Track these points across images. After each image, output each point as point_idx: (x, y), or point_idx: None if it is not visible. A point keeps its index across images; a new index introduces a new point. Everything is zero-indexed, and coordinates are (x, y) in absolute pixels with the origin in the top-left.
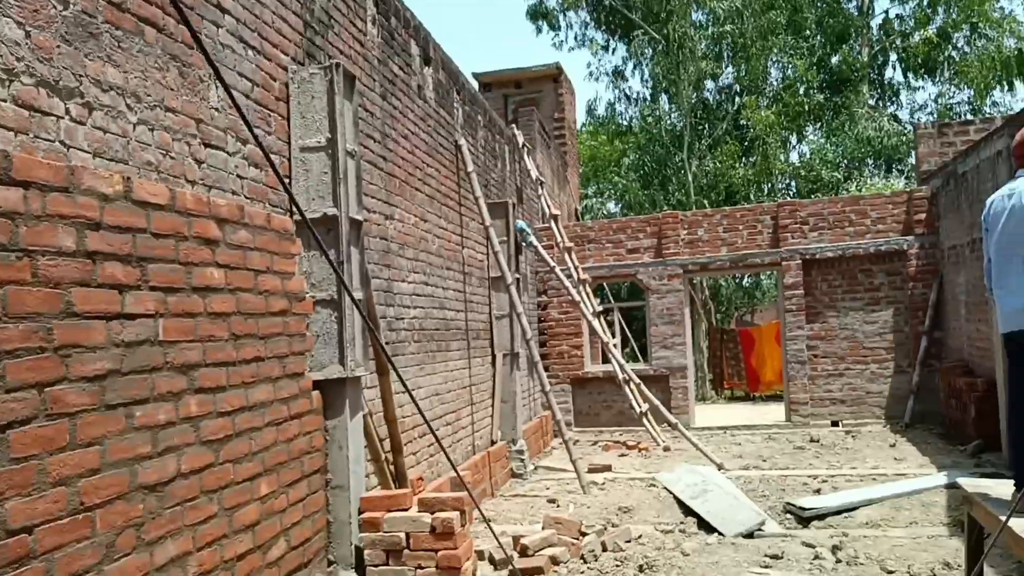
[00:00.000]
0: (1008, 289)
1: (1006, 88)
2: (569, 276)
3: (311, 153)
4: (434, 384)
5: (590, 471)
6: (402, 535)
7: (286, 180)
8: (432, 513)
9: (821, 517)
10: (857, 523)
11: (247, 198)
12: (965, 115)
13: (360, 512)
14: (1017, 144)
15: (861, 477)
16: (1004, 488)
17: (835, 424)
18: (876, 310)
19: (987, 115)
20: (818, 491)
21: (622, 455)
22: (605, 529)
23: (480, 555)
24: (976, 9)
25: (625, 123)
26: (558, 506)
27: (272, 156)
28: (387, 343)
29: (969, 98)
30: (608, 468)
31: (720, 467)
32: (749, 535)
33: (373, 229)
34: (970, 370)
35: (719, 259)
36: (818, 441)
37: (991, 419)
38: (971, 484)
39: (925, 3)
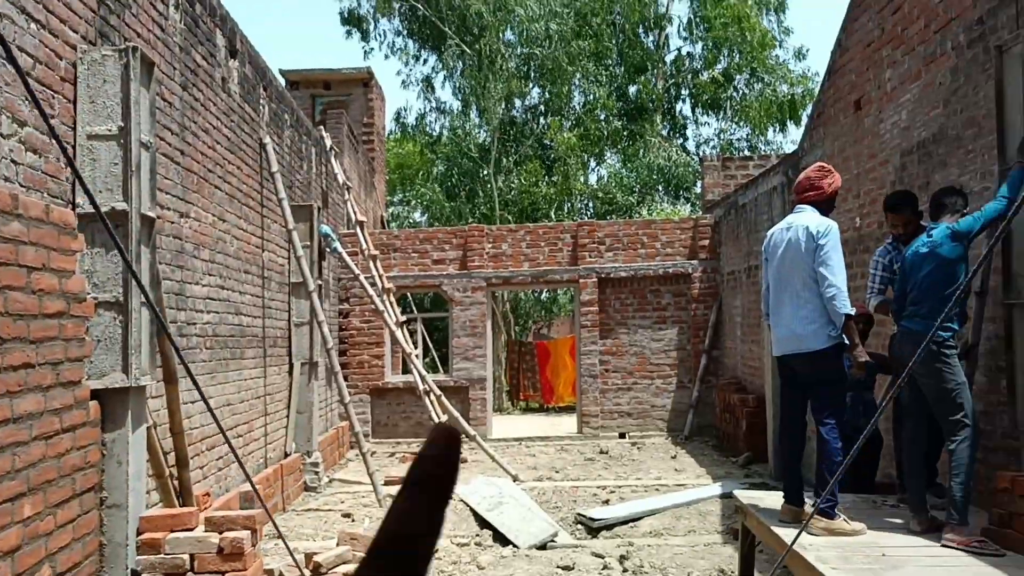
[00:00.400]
0: (781, 317)
1: (779, 129)
2: (373, 284)
3: (100, 141)
4: (226, 394)
5: (387, 483)
6: (186, 557)
7: (68, 170)
8: (220, 532)
9: (609, 527)
10: (642, 532)
11: (22, 186)
12: (744, 150)
13: (139, 533)
14: (798, 183)
15: (646, 488)
16: (774, 500)
17: (622, 436)
18: (663, 328)
19: (763, 152)
20: (607, 502)
21: None
22: None
23: (270, 574)
24: (756, 56)
25: (434, 134)
26: (353, 521)
27: (53, 143)
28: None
29: (748, 135)
30: None
31: (515, 479)
32: (543, 547)
33: (166, 227)
34: (743, 387)
35: (521, 274)
36: (607, 453)
37: (760, 433)
38: (745, 496)
39: (712, 45)
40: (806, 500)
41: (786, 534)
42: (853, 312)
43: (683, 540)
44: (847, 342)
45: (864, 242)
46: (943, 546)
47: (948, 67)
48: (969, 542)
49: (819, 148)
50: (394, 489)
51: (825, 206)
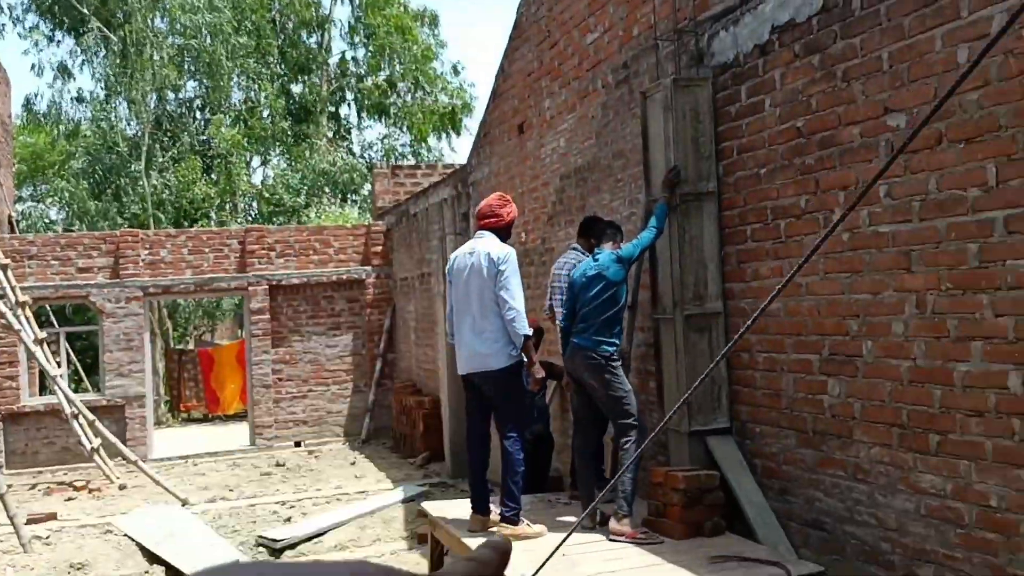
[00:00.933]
0: (464, 337)
1: (440, 137)
2: (3, 297)
3: None
4: None
5: (30, 522)
6: None
7: None
8: None
9: (293, 546)
10: (327, 547)
11: None
12: (407, 156)
13: None
14: (480, 210)
15: (327, 499)
16: (459, 509)
17: (298, 444)
18: (337, 334)
19: (428, 160)
20: (288, 519)
21: (69, 499)
22: None
23: None
24: (418, 66)
25: (72, 123)
26: None
27: None
28: None
29: (411, 142)
30: (53, 517)
31: (185, 502)
32: None
33: None
34: (418, 389)
35: (184, 282)
36: (283, 464)
37: (436, 433)
38: (434, 508)
39: (375, 52)
40: (492, 509)
41: (475, 543)
42: (531, 333)
43: (370, 551)
44: (525, 360)
45: (529, 255)
46: (611, 540)
47: (599, 103)
48: (635, 534)
49: (486, 165)
50: (40, 528)
51: (504, 232)
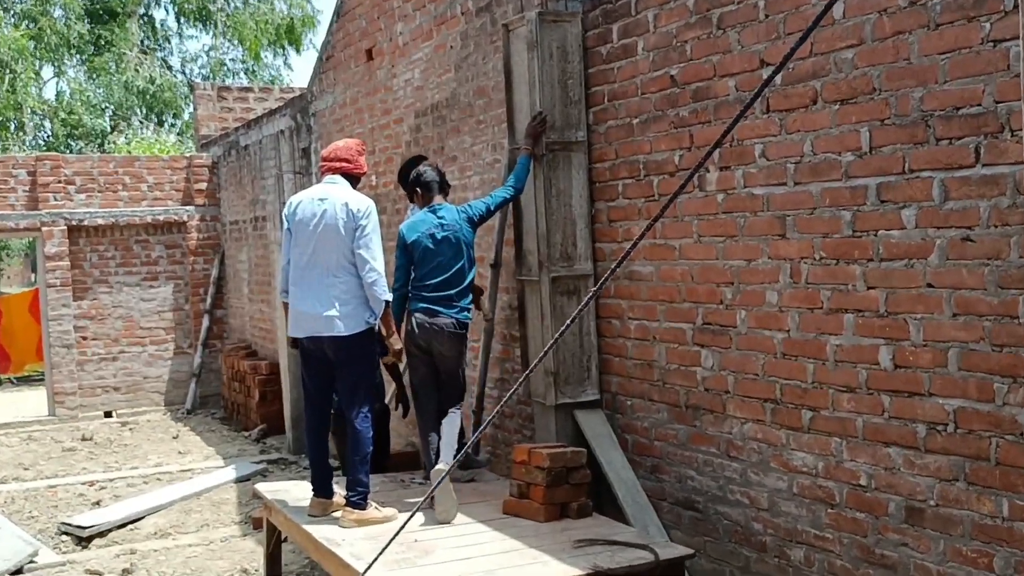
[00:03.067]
0: (308, 296)
1: (277, 53)
2: None
3: None
4: None
5: None
6: None
7: None
8: None
9: (104, 533)
10: (145, 535)
11: None
12: (239, 73)
13: None
14: (330, 151)
15: (145, 478)
16: (299, 491)
17: (108, 415)
18: (155, 286)
19: (261, 81)
20: (98, 503)
21: None
22: None
23: None
24: None
25: None
26: None
27: None
28: None
29: (242, 57)
30: None
31: None
32: (19, 570)
33: None
34: (254, 352)
35: None
36: (91, 439)
37: (275, 402)
38: (269, 490)
39: None
40: (336, 491)
41: (318, 531)
42: (391, 298)
43: (196, 538)
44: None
45: (380, 202)
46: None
47: (459, 32)
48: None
49: (330, 94)
50: None
51: (356, 182)
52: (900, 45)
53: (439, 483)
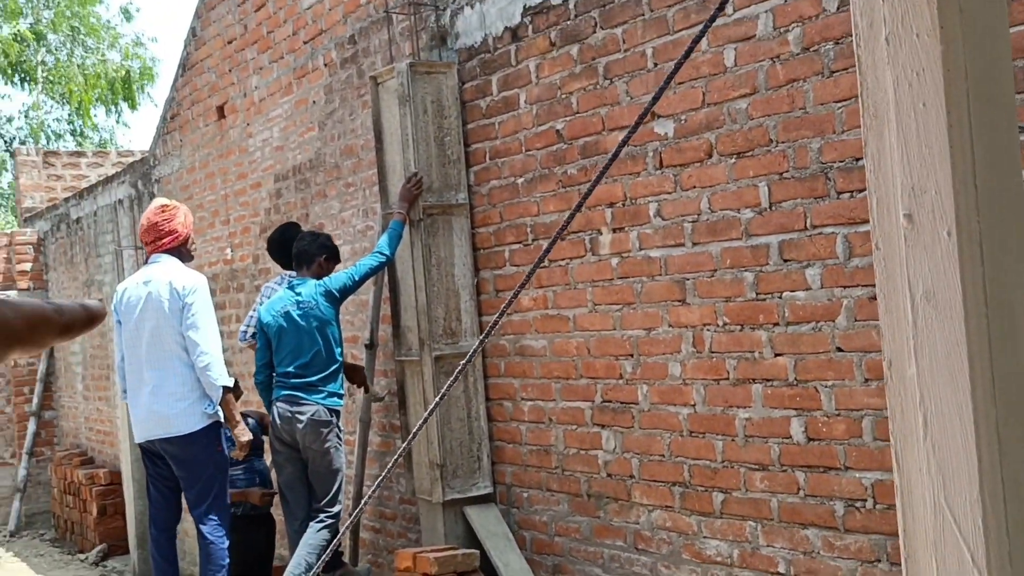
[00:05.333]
0: (141, 394)
1: (111, 110)
2: None
3: None
4: None
5: None
6: None
7: None
8: None
9: None
10: None
11: None
12: (65, 134)
13: None
14: (144, 230)
15: None
16: None
17: None
18: None
19: (93, 144)
20: None
21: None
22: None
23: None
24: (74, 11)
25: None
26: None
27: None
28: None
29: (70, 116)
30: None
31: None
32: None
33: None
34: (90, 459)
35: None
36: None
37: (116, 518)
38: None
39: None
40: None
41: None
42: (232, 382)
43: None
44: (225, 419)
45: (237, 278)
46: None
47: (322, 84)
48: None
49: (176, 158)
50: None
51: (185, 252)
52: (795, 93)
53: None
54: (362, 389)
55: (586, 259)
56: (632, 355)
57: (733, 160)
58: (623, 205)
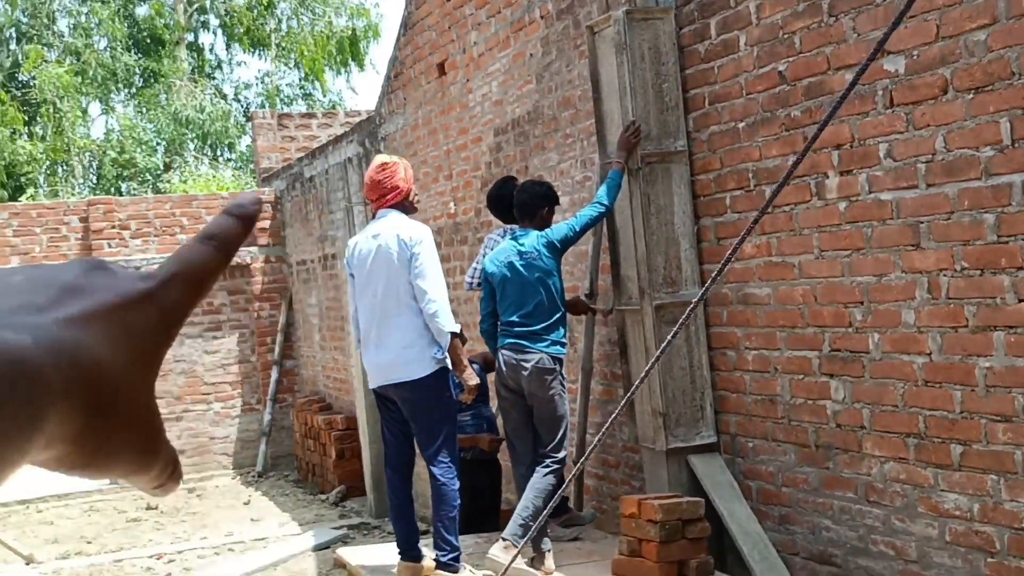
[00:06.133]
0: (374, 341)
1: (339, 71)
2: None
3: None
4: None
5: None
6: None
7: None
8: None
9: None
10: None
11: None
12: (297, 99)
13: None
14: (368, 188)
15: (216, 549)
16: (386, 555)
17: None
18: (218, 336)
19: (325, 105)
20: None
21: None
22: None
23: None
24: None
25: None
26: None
27: None
28: None
29: (301, 80)
30: None
31: (30, 561)
32: None
33: None
34: (328, 405)
35: None
36: (157, 508)
37: (353, 461)
38: (352, 555)
39: None
40: (424, 553)
41: None
42: (458, 328)
43: None
44: (452, 364)
45: (461, 231)
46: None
47: (538, 37)
48: None
49: (400, 115)
50: None
51: (408, 206)
52: None
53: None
54: (589, 314)
55: (811, 204)
56: (862, 302)
57: (971, 96)
58: (851, 147)
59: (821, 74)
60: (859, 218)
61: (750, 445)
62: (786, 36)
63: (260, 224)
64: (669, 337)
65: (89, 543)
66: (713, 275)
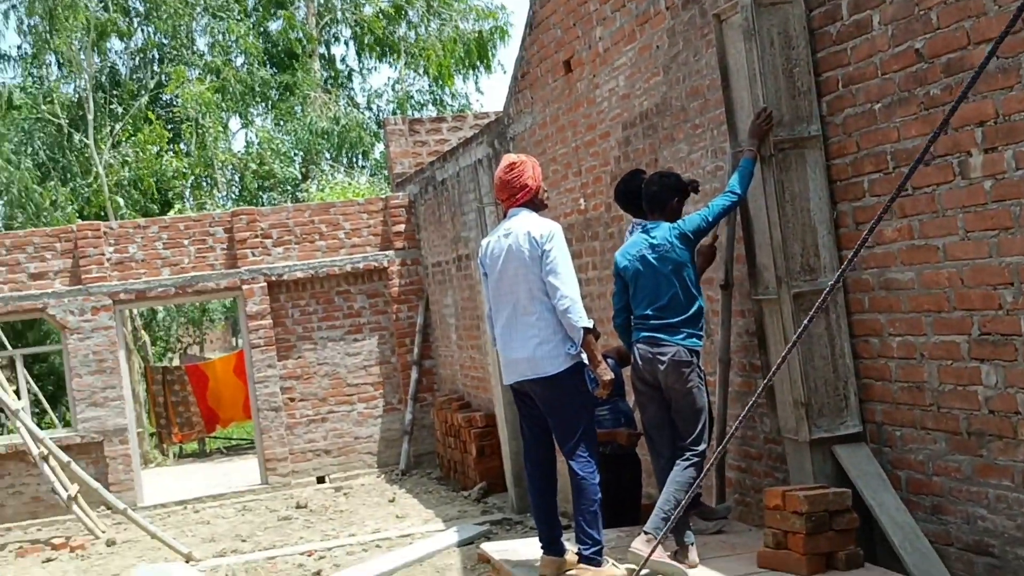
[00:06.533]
0: (509, 339)
1: (467, 76)
2: None
3: None
4: None
5: None
6: None
7: None
8: None
9: None
10: None
11: None
12: (427, 105)
13: None
14: (498, 188)
15: (363, 546)
16: (528, 549)
17: (321, 480)
18: (359, 339)
19: (454, 109)
20: (318, 573)
21: (48, 560)
22: None
23: None
24: None
25: (3, 92)
26: None
27: None
28: None
29: (430, 86)
30: None
31: (189, 558)
32: None
33: None
34: (467, 403)
35: (161, 284)
36: (306, 506)
37: (494, 458)
38: (496, 549)
39: None
40: (567, 547)
41: None
42: (591, 324)
43: None
44: (587, 359)
45: (591, 227)
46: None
47: (664, 29)
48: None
49: (528, 115)
50: None
51: (538, 204)
52: None
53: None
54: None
55: (955, 184)
56: (1012, 283)
57: None
58: (995, 123)
59: (961, 50)
60: (1006, 196)
61: (897, 434)
62: (922, 13)
63: (395, 228)
64: (805, 322)
65: (243, 541)
66: (848, 258)
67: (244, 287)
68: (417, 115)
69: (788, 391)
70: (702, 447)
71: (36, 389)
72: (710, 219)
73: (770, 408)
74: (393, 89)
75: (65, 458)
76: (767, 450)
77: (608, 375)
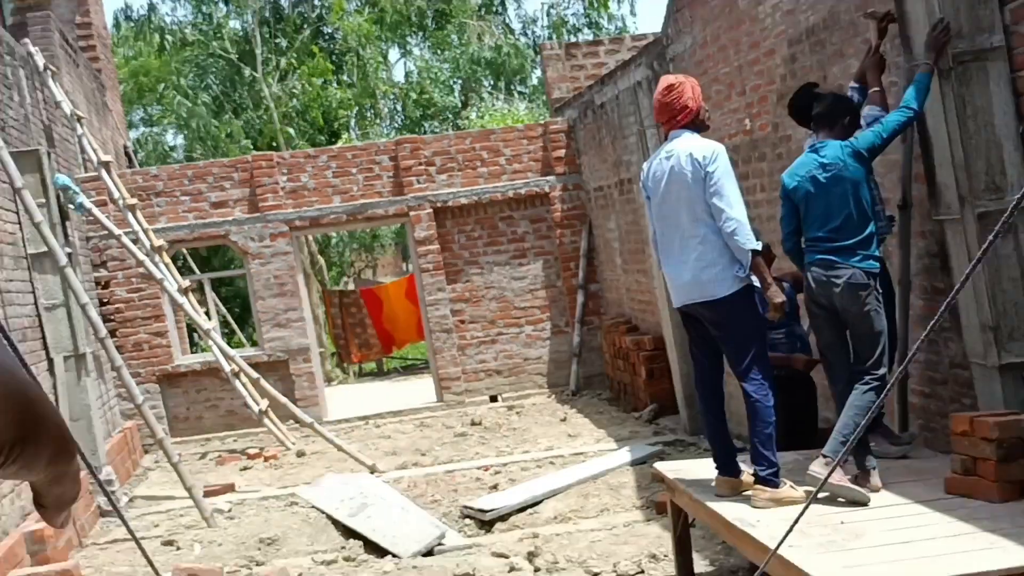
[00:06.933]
0: (675, 261)
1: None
2: (137, 242)
3: None
4: None
5: (208, 494)
6: None
7: None
8: None
9: (504, 517)
10: (545, 519)
11: None
12: (583, 29)
13: None
14: (657, 111)
15: (537, 462)
16: (702, 468)
17: (494, 399)
18: (524, 263)
19: (610, 32)
20: (495, 487)
21: (245, 468)
22: (251, 572)
23: None
24: None
25: (176, 30)
26: (179, 548)
27: None
28: None
29: (585, 10)
30: (231, 488)
31: (373, 470)
32: (429, 552)
33: None
34: (635, 327)
35: (332, 211)
36: (480, 423)
37: (663, 380)
38: (670, 469)
39: None
40: (743, 468)
41: (729, 511)
42: (760, 246)
43: (597, 523)
44: (758, 281)
45: (758, 147)
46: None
47: None
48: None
49: (688, 35)
50: (220, 500)
51: (700, 124)
52: None
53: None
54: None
55: None
56: None
57: None
58: None
59: None
60: None
61: None
62: None
63: (555, 153)
64: (991, 238)
65: (423, 455)
66: None
67: (411, 213)
68: (573, 39)
69: (975, 315)
70: (881, 371)
71: (224, 311)
72: (884, 136)
73: (955, 332)
74: (548, 15)
75: (254, 375)
76: (953, 375)
77: (779, 298)
